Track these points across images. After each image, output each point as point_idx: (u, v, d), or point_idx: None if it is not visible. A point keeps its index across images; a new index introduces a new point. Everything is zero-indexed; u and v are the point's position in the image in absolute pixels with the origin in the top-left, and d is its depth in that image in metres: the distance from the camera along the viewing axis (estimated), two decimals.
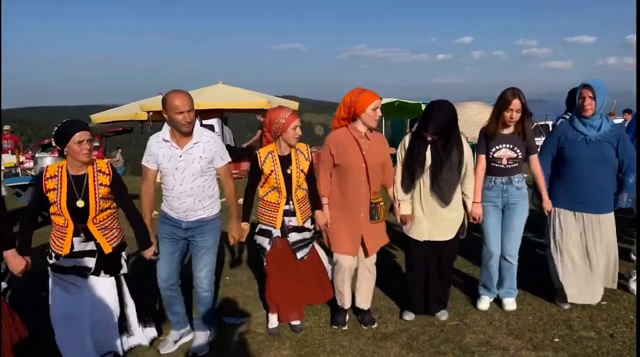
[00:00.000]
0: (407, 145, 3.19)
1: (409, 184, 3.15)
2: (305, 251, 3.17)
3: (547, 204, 3.34)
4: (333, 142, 3.10)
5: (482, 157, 3.26)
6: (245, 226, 3.13)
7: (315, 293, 3.28)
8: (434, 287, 3.31)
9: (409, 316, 3.39)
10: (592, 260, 3.28)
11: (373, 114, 2.98)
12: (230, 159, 3.02)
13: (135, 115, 12.50)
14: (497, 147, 3.21)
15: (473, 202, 3.23)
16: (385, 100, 14.58)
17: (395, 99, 14.30)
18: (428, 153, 3.11)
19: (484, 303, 3.50)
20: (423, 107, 13.97)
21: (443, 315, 3.36)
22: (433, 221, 3.16)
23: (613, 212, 3.29)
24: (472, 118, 10.56)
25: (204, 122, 13.53)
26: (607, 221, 3.26)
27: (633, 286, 3.61)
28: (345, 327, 3.30)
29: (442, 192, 3.10)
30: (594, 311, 3.40)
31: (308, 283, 3.23)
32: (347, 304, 3.31)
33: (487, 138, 3.24)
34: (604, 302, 3.51)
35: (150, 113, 11.38)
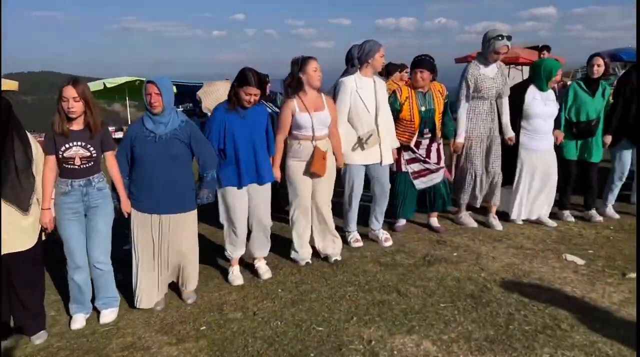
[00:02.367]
0: None
1: None
2: None
3: (125, 205, 3.22)
4: None
5: (51, 158, 2.94)
6: None
7: None
8: (29, 303, 2.98)
9: (40, 339, 3.01)
10: (162, 262, 3.32)
11: None
12: None
13: None
14: (67, 146, 2.93)
15: (42, 208, 2.93)
16: (125, 79, 13.74)
17: (135, 78, 13.54)
18: None
19: (79, 322, 3.18)
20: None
21: (39, 338, 3.00)
22: (9, 232, 2.77)
23: (195, 211, 3.38)
24: (223, 97, 10.65)
25: None
26: (186, 221, 3.31)
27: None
28: None
29: (19, 199, 2.77)
30: (250, 290, 3.60)
31: None
32: None
33: (56, 135, 2.93)
34: (262, 280, 3.76)
35: None
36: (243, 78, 3.37)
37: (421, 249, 4.19)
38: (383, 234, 4.37)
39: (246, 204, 3.59)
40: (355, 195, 4.19)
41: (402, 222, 4.69)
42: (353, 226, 4.35)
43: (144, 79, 13.38)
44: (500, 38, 4.22)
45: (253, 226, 3.69)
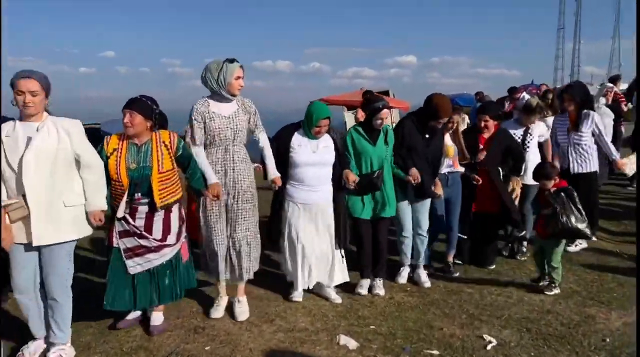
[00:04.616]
0: None
1: None
2: None
3: None
4: None
5: None
6: None
7: None
8: None
9: None
10: None
11: None
12: None
13: None
14: None
15: None
16: None
17: None
18: None
19: None
20: None
21: None
22: None
23: None
24: None
25: None
26: None
27: None
28: None
29: None
30: None
31: None
32: None
33: None
34: None
35: None
36: None
37: (170, 343, 3.30)
38: (56, 353, 3.02)
39: None
40: (19, 291, 2.96)
41: (134, 314, 3.53)
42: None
43: None
44: (230, 61, 3.43)
45: None
